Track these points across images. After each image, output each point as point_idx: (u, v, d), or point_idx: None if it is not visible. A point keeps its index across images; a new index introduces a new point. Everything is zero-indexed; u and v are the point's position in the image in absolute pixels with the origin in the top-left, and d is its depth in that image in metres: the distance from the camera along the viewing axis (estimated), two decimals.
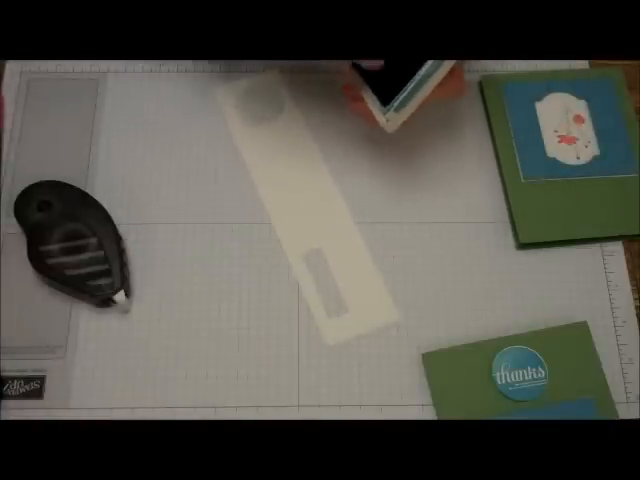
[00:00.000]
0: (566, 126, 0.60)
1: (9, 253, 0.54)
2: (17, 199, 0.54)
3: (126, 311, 0.53)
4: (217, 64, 0.62)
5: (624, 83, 0.61)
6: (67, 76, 0.61)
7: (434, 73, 0.48)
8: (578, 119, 0.60)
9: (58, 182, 0.55)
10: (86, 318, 0.53)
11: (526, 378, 0.51)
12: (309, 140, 0.59)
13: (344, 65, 0.52)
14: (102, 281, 0.51)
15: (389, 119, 0.49)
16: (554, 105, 0.60)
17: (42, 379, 0.51)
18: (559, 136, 0.59)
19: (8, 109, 0.59)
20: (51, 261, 0.51)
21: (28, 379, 0.51)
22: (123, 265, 0.52)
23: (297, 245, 0.56)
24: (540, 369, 0.51)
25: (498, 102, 0.60)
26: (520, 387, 0.50)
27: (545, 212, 0.56)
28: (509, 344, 0.52)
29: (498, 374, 0.51)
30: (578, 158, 0.59)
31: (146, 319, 0.53)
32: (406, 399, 0.51)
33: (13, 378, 0.51)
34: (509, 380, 0.51)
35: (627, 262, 0.56)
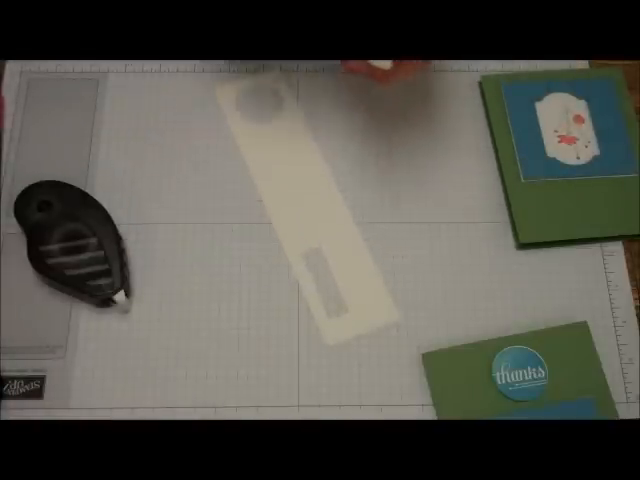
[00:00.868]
0: (566, 126, 0.60)
1: (9, 253, 0.54)
2: (17, 199, 0.54)
3: (126, 311, 0.53)
4: (217, 64, 0.62)
5: (624, 83, 0.61)
6: (67, 76, 0.61)
7: None
8: (578, 119, 0.60)
9: (58, 182, 0.55)
10: (86, 318, 0.53)
11: (526, 378, 0.51)
12: (309, 140, 0.59)
13: None
14: (102, 281, 0.51)
15: None
16: (554, 105, 0.60)
17: (42, 379, 0.51)
18: (559, 136, 0.59)
19: (8, 109, 0.59)
20: (51, 261, 0.51)
21: (28, 379, 0.51)
22: (123, 265, 0.52)
23: (297, 245, 0.56)
24: (540, 369, 0.51)
25: (498, 102, 0.60)
26: (520, 387, 0.50)
27: (545, 212, 0.56)
28: (509, 344, 0.52)
29: (498, 374, 0.51)
30: (578, 158, 0.59)
31: (146, 319, 0.53)
32: (406, 399, 0.51)
33: (13, 378, 0.51)
34: (509, 380, 0.51)
35: (627, 262, 0.56)
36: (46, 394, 0.50)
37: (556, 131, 0.59)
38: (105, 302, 0.52)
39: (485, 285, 0.55)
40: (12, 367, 0.51)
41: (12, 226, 0.54)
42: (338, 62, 0.61)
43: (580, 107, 0.60)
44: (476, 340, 0.52)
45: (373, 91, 0.61)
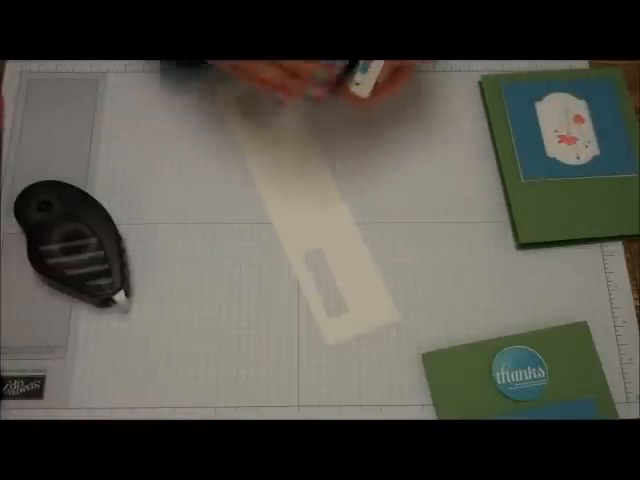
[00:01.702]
0: (566, 126, 0.60)
1: (9, 253, 0.54)
2: (17, 199, 0.54)
3: (126, 311, 0.53)
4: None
5: (624, 83, 0.61)
6: (67, 76, 0.61)
7: None
8: (578, 119, 0.60)
9: (58, 182, 0.55)
10: (86, 318, 0.53)
11: (526, 378, 0.51)
12: (310, 139, 0.59)
13: None
14: (102, 281, 0.51)
15: (358, 82, 0.48)
16: (554, 105, 0.60)
17: (42, 379, 0.51)
18: (559, 136, 0.59)
19: (8, 109, 0.59)
20: (51, 261, 0.51)
21: (28, 379, 0.51)
22: (123, 265, 0.52)
23: (297, 245, 0.56)
24: (540, 369, 0.51)
25: (498, 102, 0.60)
26: (520, 387, 0.50)
27: (545, 212, 0.56)
28: (509, 344, 0.52)
29: (498, 374, 0.51)
30: (578, 158, 0.59)
31: (146, 319, 0.53)
32: (406, 399, 0.51)
33: (13, 378, 0.51)
34: (509, 380, 0.51)
35: (627, 262, 0.56)
36: (46, 394, 0.50)
37: (556, 131, 0.59)
38: (105, 302, 0.52)
39: (485, 285, 0.55)
40: (12, 367, 0.51)
41: (12, 226, 0.54)
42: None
43: (580, 107, 0.60)
44: (476, 340, 0.52)
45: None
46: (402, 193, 0.58)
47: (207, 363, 0.52)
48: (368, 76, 0.48)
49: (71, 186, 0.55)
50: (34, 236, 0.52)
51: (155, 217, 0.56)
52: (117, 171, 0.58)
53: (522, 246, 0.56)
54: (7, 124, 0.59)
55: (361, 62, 0.47)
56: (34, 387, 0.50)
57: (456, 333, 0.53)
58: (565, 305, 0.54)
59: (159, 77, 0.61)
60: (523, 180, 0.57)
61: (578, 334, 0.53)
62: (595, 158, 0.59)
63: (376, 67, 0.48)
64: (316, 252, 0.55)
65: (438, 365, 0.51)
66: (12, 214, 0.54)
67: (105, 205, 0.54)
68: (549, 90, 0.61)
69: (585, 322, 0.53)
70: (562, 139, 0.59)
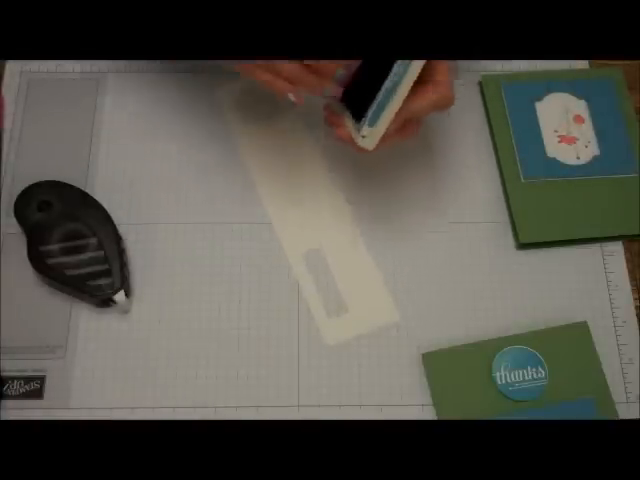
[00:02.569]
0: (566, 126, 0.60)
1: (9, 253, 0.54)
2: (17, 199, 0.54)
3: (126, 311, 0.53)
4: (217, 64, 0.62)
5: (624, 83, 0.61)
6: (67, 76, 0.61)
7: (401, 81, 0.46)
8: (578, 119, 0.60)
9: (58, 182, 0.55)
10: (86, 318, 0.53)
11: (526, 378, 0.51)
12: (310, 140, 0.59)
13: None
14: (102, 281, 0.51)
15: (365, 135, 0.47)
16: (554, 105, 0.60)
17: (42, 379, 0.51)
18: (559, 136, 0.59)
19: (8, 109, 0.59)
20: (51, 261, 0.51)
21: (28, 379, 0.51)
22: (123, 265, 0.52)
23: (297, 245, 0.56)
24: (540, 369, 0.51)
25: (498, 102, 0.60)
26: (520, 387, 0.50)
27: (545, 212, 0.56)
28: (509, 344, 0.52)
29: (498, 374, 0.51)
30: (578, 158, 0.59)
31: (146, 319, 0.53)
32: (406, 399, 0.51)
33: (13, 378, 0.51)
34: (509, 380, 0.51)
35: (627, 262, 0.56)
36: (46, 394, 0.50)
37: (556, 131, 0.59)
38: (105, 302, 0.52)
39: (485, 285, 0.55)
40: (12, 367, 0.51)
41: (12, 226, 0.54)
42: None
43: (580, 107, 0.60)
44: (476, 340, 0.52)
45: None
46: (402, 193, 0.58)
47: (207, 363, 0.52)
48: (376, 130, 0.47)
49: (71, 186, 0.55)
50: (34, 236, 0.52)
51: (155, 217, 0.56)
52: (117, 171, 0.58)
53: (522, 246, 0.56)
54: (7, 124, 0.59)
55: (369, 114, 0.46)
56: (34, 387, 0.50)
57: (456, 333, 0.53)
58: (565, 305, 0.54)
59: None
60: (523, 180, 0.57)
61: (578, 334, 0.53)
62: (595, 158, 0.59)
63: (384, 121, 0.46)
64: (316, 252, 0.55)
65: (438, 365, 0.51)
66: (12, 214, 0.54)
67: (105, 205, 0.54)
68: (549, 90, 0.61)
69: (585, 322, 0.53)
70: (562, 139, 0.59)
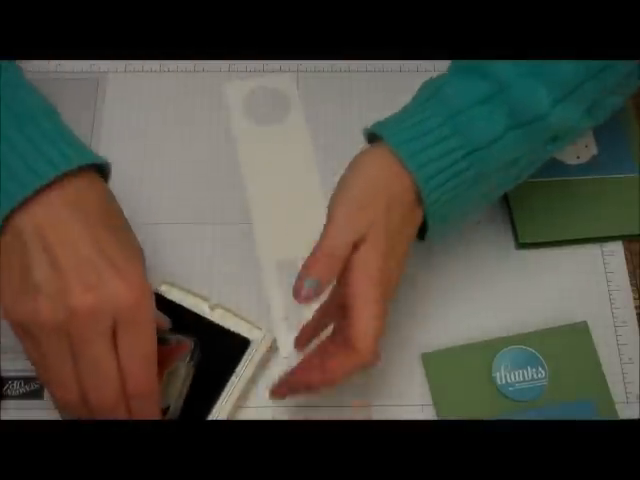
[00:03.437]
0: None
1: None
2: None
3: None
4: (217, 64, 0.62)
5: None
6: (67, 76, 0.61)
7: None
8: None
9: None
10: None
11: (526, 378, 0.51)
12: (308, 146, 0.59)
13: None
14: None
15: None
16: None
17: None
18: None
19: None
20: None
21: (28, 379, 0.51)
22: None
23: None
24: (540, 369, 0.51)
25: None
26: (520, 387, 0.50)
27: (545, 212, 0.56)
28: (509, 344, 0.52)
29: (498, 374, 0.51)
30: (578, 158, 0.59)
31: None
32: (406, 399, 0.51)
33: (13, 378, 0.51)
34: (509, 380, 0.51)
35: (627, 262, 0.56)
36: (46, 394, 0.50)
37: None
38: None
39: (485, 285, 0.55)
40: (12, 367, 0.51)
41: None
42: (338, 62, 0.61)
43: None
44: (476, 340, 0.52)
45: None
46: None
47: None
48: None
49: None
50: None
51: (155, 217, 0.56)
52: (117, 171, 0.57)
53: (522, 246, 0.56)
54: None
55: None
56: (34, 387, 0.50)
57: (456, 333, 0.53)
58: (565, 305, 0.54)
59: None
60: None
61: (578, 334, 0.53)
62: (595, 158, 0.59)
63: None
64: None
65: (438, 365, 0.51)
66: None
67: None
68: None
69: (585, 322, 0.53)
70: None
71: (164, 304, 0.50)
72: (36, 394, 0.50)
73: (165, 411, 0.46)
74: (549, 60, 0.43)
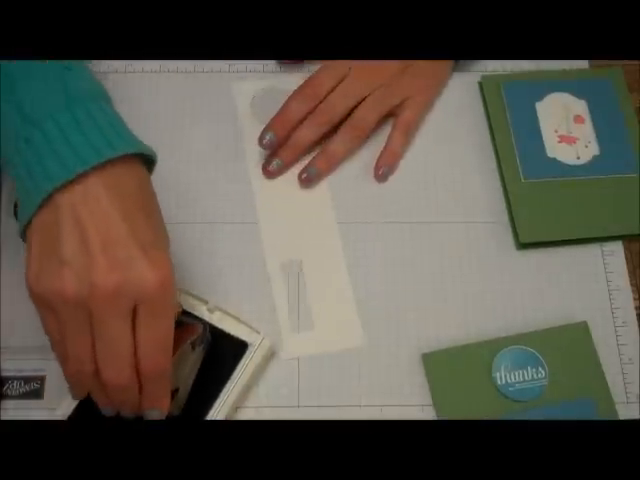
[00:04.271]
0: (566, 126, 0.60)
1: (9, 253, 0.54)
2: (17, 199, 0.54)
3: None
4: (217, 64, 0.62)
5: (624, 83, 0.61)
6: None
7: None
8: (578, 119, 0.60)
9: None
10: None
11: (526, 378, 0.51)
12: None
13: None
14: None
15: None
16: (554, 105, 0.60)
17: (42, 379, 0.51)
18: (559, 136, 0.59)
19: None
20: None
21: (28, 379, 0.51)
22: None
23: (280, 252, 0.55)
24: (540, 369, 0.51)
25: (498, 102, 0.60)
26: (520, 387, 0.50)
27: (545, 212, 0.56)
28: (509, 344, 0.52)
29: (498, 374, 0.51)
30: (578, 158, 0.59)
31: None
32: (406, 399, 0.51)
33: (13, 378, 0.51)
34: (509, 380, 0.51)
35: (627, 262, 0.56)
36: (46, 394, 0.50)
37: (556, 131, 0.59)
38: None
39: (485, 285, 0.55)
40: (12, 367, 0.51)
41: (12, 226, 0.54)
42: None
43: (580, 107, 0.60)
44: (476, 340, 0.52)
45: None
46: (402, 193, 0.58)
47: None
48: None
49: None
50: None
51: None
52: None
53: (522, 246, 0.56)
54: None
55: None
56: (34, 387, 0.50)
57: (456, 333, 0.53)
58: (565, 305, 0.54)
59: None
60: (523, 180, 0.57)
61: (578, 334, 0.53)
62: (595, 158, 0.59)
63: None
64: (296, 263, 0.55)
65: (438, 365, 0.51)
66: (12, 214, 0.53)
67: None
68: (549, 90, 0.61)
69: (585, 322, 0.53)
70: (562, 139, 0.59)
71: None
72: (36, 394, 0.50)
73: (174, 393, 0.46)
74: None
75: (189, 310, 0.50)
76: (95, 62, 0.61)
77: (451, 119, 0.61)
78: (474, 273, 0.55)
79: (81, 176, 0.39)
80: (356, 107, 0.56)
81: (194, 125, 0.60)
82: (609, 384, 0.51)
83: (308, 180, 0.57)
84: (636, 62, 0.63)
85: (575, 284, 0.55)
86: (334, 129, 0.57)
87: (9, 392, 0.50)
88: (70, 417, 0.47)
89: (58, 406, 0.49)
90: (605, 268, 0.56)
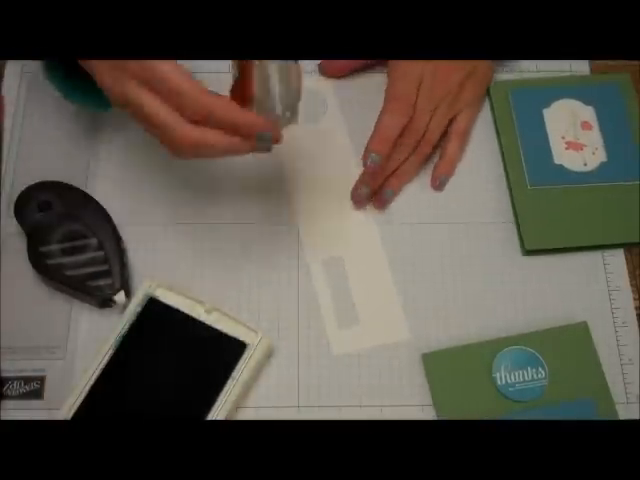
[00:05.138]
0: (573, 132, 0.59)
1: (9, 253, 0.54)
2: (17, 199, 0.54)
3: None
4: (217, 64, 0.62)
5: (632, 89, 0.61)
6: None
7: None
8: (586, 125, 0.59)
9: (58, 182, 0.55)
10: (86, 318, 0.53)
11: (526, 378, 0.51)
12: (347, 146, 0.59)
13: None
14: (102, 281, 0.51)
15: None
16: (561, 111, 0.60)
17: (42, 379, 0.51)
18: (566, 143, 0.59)
19: (8, 109, 0.59)
20: (51, 261, 0.51)
21: (28, 379, 0.51)
22: (123, 266, 0.52)
23: (315, 249, 0.55)
24: (540, 369, 0.51)
25: (505, 108, 0.60)
26: (520, 387, 0.50)
27: (551, 219, 0.56)
28: (509, 344, 0.52)
29: (498, 374, 0.51)
30: (585, 165, 0.58)
31: None
32: (406, 399, 0.51)
33: (13, 378, 0.51)
34: (509, 380, 0.51)
35: (627, 263, 0.56)
36: (46, 394, 0.50)
37: (563, 137, 0.59)
38: (105, 302, 0.52)
39: (484, 286, 0.55)
40: (12, 367, 0.51)
41: (12, 226, 0.54)
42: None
43: (588, 113, 0.60)
44: (476, 340, 0.52)
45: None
46: (408, 196, 0.58)
47: None
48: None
49: (71, 186, 0.55)
50: (34, 236, 0.52)
51: (155, 217, 0.56)
52: (117, 171, 0.58)
53: (528, 253, 0.55)
54: (7, 124, 0.59)
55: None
56: (34, 387, 0.50)
57: (456, 333, 0.53)
58: (565, 305, 0.54)
59: None
60: (529, 187, 0.57)
61: (578, 334, 0.53)
62: (602, 165, 0.58)
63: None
64: (336, 260, 0.55)
65: (438, 365, 0.51)
66: (12, 214, 0.54)
67: (105, 205, 0.54)
68: (557, 96, 0.60)
69: (585, 322, 0.53)
70: (569, 145, 0.59)
71: (160, 308, 0.50)
72: (36, 394, 0.50)
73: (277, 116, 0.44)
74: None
75: (187, 311, 0.51)
76: None
77: None
78: (474, 274, 0.55)
79: None
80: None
81: None
82: (609, 384, 0.51)
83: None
84: (636, 62, 0.62)
85: (575, 284, 0.55)
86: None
87: (9, 392, 0.50)
88: (71, 417, 0.47)
89: (60, 407, 0.49)
90: (605, 269, 0.56)
